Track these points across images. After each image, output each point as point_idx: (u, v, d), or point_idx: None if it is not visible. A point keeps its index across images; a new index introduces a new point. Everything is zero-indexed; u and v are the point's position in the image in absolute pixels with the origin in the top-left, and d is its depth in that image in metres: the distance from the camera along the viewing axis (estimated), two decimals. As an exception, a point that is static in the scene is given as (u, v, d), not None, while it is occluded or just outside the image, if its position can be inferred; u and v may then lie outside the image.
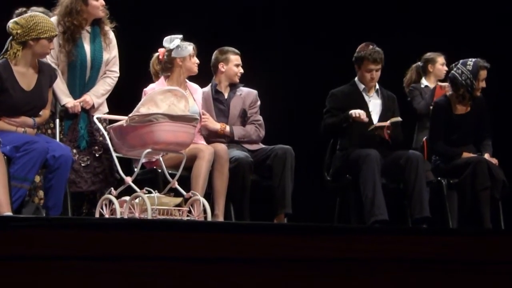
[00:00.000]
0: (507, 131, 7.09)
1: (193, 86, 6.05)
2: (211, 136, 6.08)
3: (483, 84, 6.41)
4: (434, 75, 7.17)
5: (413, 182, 5.99)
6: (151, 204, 5.02)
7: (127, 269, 3.30)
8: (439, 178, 6.31)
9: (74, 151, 5.53)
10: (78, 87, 5.67)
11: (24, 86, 5.17)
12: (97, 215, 5.20)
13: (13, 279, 3.13)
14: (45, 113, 5.33)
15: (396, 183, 6.14)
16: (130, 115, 5.16)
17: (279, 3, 7.95)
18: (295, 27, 7.87)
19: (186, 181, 5.54)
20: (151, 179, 5.59)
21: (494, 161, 6.32)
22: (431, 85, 7.09)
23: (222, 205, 5.71)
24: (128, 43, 5.95)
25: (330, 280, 3.61)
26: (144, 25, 7.11)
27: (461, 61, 6.45)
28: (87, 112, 5.65)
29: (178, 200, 5.25)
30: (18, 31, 5.13)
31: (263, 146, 6.17)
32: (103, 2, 5.66)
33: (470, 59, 6.41)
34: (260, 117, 6.26)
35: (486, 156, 6.34)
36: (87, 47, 5.66)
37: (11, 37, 5.18)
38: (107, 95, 5.75)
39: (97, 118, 5.47)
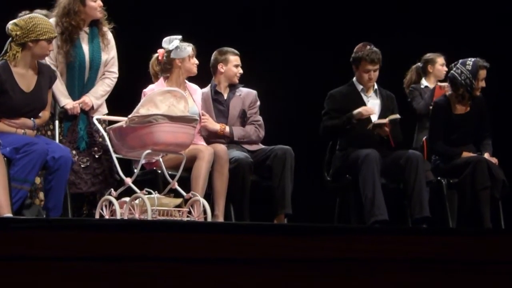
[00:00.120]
0: (507, 131, 7.09)
1: (193, 86, 6.06)
2: (210, 137, 6.09)
3: (482, 83, 6.41)
4: (434, 76, 7.17)
5: (413, 182, 6.00)
6: (151, 205, 5.03)
7: (127, 270, 3.31)
8: (439, 178, 6.32)
9: (74, 152, 5.53)
10: (77, 88, 5.68)
11: (23, 88, 5.18)
12: (97, 216, 5.21)
13: (13, 280, 3.14)
14: (44, 114, 5.34)
15: (396, 183, 6.15)
16: (129, 116, 5.17)
17: (279, 3, 7.95)
18: (295, 27, 7.88)
19: (186, 182, 5.54)
20: (151, 180, 5.60)
21: (494, 160, 6.33)
22: (431, 86, 7.10)
23: (222, 206, 5.72)
24: (127, 44, 5.96)
25: (330, 280, 3.62)
26: (143, 26, 7.11)
27: (460, 61, 6.46)
28: (87, 113, 5.66)
29: (178, 201, 5.26)
30: (18, 33, 5.13)
31: (263, 146, 6.17)
32: (101, 3, 5.67)
33: (469, 59, 6.42)
34: (260, 118, 6.27)
35: (486, 155, 6.35)
36: (85, 48, 5.67)
37: (10, 39, 5.18)
38: (106, 96, 5.76)
39: (97, 119, 5.49)
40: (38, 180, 5.38)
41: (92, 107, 5.66)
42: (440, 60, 7.18)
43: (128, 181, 5.18)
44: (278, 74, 7.65)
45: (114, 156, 5.28)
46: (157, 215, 5.09)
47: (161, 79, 5.93)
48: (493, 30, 7.81)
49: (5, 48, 5.20)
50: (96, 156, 5.68)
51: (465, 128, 6.45)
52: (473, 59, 6.41)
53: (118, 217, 5.05)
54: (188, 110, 5.32)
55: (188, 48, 5.87)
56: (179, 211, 5.21)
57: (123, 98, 5.73)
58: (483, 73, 6.39)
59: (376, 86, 6.36)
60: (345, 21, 7.79)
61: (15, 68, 5.17)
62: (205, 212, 5.20)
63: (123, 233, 3.41)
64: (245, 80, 6.31)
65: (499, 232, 5.51)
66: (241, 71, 6.25)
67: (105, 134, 5.38)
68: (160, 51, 5.92)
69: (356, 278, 3.67)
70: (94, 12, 5.66)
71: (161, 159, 5.39)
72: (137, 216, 5.06)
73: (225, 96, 6.27)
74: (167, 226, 3.79)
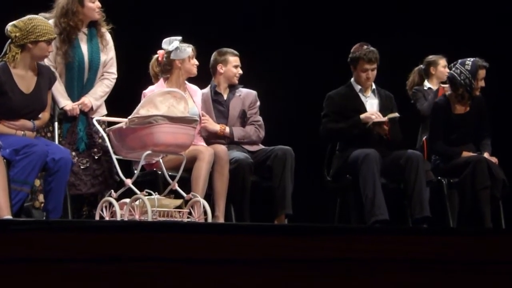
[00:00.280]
0: (507, 131, 7.09)
1: (193, 87, 6.07)
2: (211, 138, 6.09)
3: (482, 83, 6.42)
4: (437, 78, 7.16)
5: (413, 182, 6.01)
6: (151, 206, 5.04)
7: (128, 271, 3.31)
8: (439, 178, 6.32)
9: (73, 153, 5.53)
10: (76, 89, 5.68)
11: (23, 89, 5.19)
12: (97, 218, 5.21)
13: (14, 282, 3.14)
14: (44, 116, 5.34)
15: (396, 183, 6.15)
16: (129, 117, 5.18)
17: (278, 4, 7.94)
18: (295, 28, 7.88)
19: (186, 183, 5.55)
20: (151, 181, 5.60)
21: (494, 160, 6.34)
22: (434, 87, 7.09)
23: (223, 207, 5.72)
24: (127, 45, 5.97)
25: (331, 280, 3.62)
26: (143, 27, 7.11)
27: (459, 61, 6.47)
28: (86, 114, 5.67)
29: (178, 201, 5.26)
30: (17, 34, 5.14)
31: (263, 147, 6.18)
32: (99, 5, 5.68)
33: (468, 59, 6.42)
34: (260, 118, 6.27)
35: (486, 155, 6.35)
36: (84, 48, 5.68)
37: (9, 40, 5.19)
38: (105, 97, 5.77)
39: (97, 120, 5.49)
40: (37, 182, 5.39)
41: (92, 108, 5.66)
42: (442, 62, 7.17)
43: (128, 182, 5.19)
44: (278, 74, 7.65)
45: (114, 157, 5.29)
46: (158, 216, 5.10)
47: (161, 80, 5.94)
48: (493, 30, 7.80)
49: (4, 50, 5.20)
50: (96, 157, 5.68)
51: (465, 127, 6.45)
52: (472, 59, 6.41)
53: (119, 218, 5.06)
54: (188, 111, 5.33)
55: (188, 49, 5.88)
56: (179, 212, 5.22)
57: (123, 99, 5.74)
58: (482, 73, 6.40)
59: (374, 86, 6.37)
60: (345, 21, 7.78)
61: (14, 70, 5.17)
62: (205, 213, 5.21)
63: (124, 234, 3.41)
64: (245, 80, 6.31)
65: (500, 232, 5.52)
66: (240, 71, 6.26)
67: (105, 135, 5.39)
68: (160, 52, 5.92)
69: (356, 278, 3.67)
70: (92, 13, 5.67)
71: (161, 160, 5.39)
72: (137, 217, 5.07)
73: (225, 97, 6.28)
74: (168, 227, 3.80)
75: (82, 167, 5.63)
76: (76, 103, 5.63)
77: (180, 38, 5.85)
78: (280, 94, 7.51)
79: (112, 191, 5.25)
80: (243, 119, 6.23)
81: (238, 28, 7.49)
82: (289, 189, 5.92)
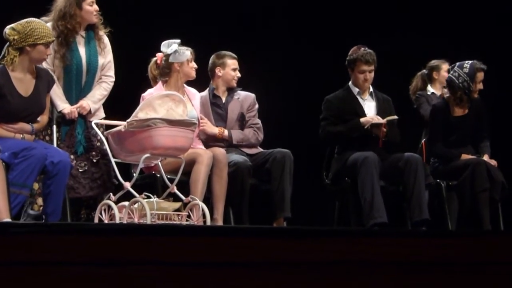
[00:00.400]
0: (506, 133, 7.09)
1: (191, 90, 6.07)
2: (209, 141, 6.10)
3: (480, 86, 6.43)
4: (439, 82, 7.15)
5: (412, 184, 6.02)
6: (150, 209, 5.04)
7: (127, 274, 3.32)
8: (438, 180, 6.33)
9: (72, 157, 5.53)
10: (75, 93, 5.69)
11: (21, 92, 5.19)
12: (96, 221, 5.22)
13: (13, 285, 3.15)
14: (43, 119, 5.35)
15: (395, 185, 6.16)
16: (128, 120, 5.18)
17: (278, 5, 7.93)
18: (294, 30, 7.88)
19: (185, 186, 5.56)
20: (150, 184, 5.61)
21: (493, 162, 6.35)
22: (437, 92, 7.08)
23: (221, 210, 5.73)
24: (125, 48, 5.97)
25: (330, 283, 3.63)
26: (141, 29, 7.12)
27: (457, 63, 6.48)
28: (84, 117, 5.67)
29: (177, 204, 5.27)
30: (15, 37, 5.15)
31: (262, 150, 6.19)
32: (97, 8, 5.70)
33: (466, 62, 6.44)
34: (259, 121, 6.28)
35: (485, 157, 6.36)
36: (82, 52, 5.69)
37: (8, 43, 5.20)
38: (103, 100, 5.77)
39: (95, 123, 5.50)
40: (36, 185, 5.39)
41: (90, 111, 5.67)
42: (445, 66, 7.16)
43: (127, 185, 5.19)
44: (277, 77, 7.65)
45: (113, 160, 5.29)
46: (156, 219, 5.11)
47: (160, 83, 5.94)
48: (493, 31, 7.80)
49: (2, 53, 5.21)
50: (94, 161, 5.69)
51: (464, 130, 6.47)
52: (470, 62, 6.43)
53: (117, 221, 5.06)
54: (187, 114, 5.34)
55: (187, 52, 5.88)
56: (178, 215, 5.22)
57: (122, 102, 5.74)
58: (480, 76, 6.41)
59: (371, 89, 6.39)
60: (344, 22, 7.77)
61: (13, 73, 5.18)
62: (204, 216, 5.22)
63: (122, 237, 3.41)
64: (244, 82, 6.32)
65: (499, 234, 5.52)
66: (238, 74, 6.26)
67: (103, 138, 5.40)
68: (159, 55, 5.93)
69: (356, 280, 3.68)
70: (90, 16, 5.68)
71: (160, 163, 5.40)
72: (136, 220, 5.07)
73: (224, 100, 6.28)
74: (166, 230, 3.80)
75: (80, 170, 5.64)
76: (74, 106, 5.64)
77: (178, 41, 5.86)
78: (279, 96, 7.51)
79: (111, 194, 5.25)
80: (242, 122, 6.23)
81: (237, 29, 7.49)
82: (288, 192, 5.93)
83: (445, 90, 6.69)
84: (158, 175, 5.52)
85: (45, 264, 3.19)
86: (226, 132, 6.15)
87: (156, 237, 3.46)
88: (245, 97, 6.29)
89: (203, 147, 5.93)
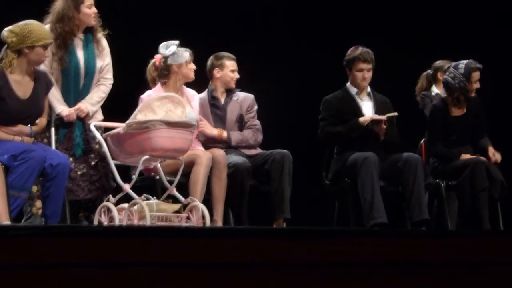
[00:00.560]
0: (504, 131, 7.08)
1: (190, 92, 6.07)
2: (208, 142, 6.10)
3: (476, 85, 6.45)
4: None
5: (411, 184, 6.02)
6: (150, 210, 5.04)
7: (126, 276, 3.32)
8: (437, 180, 6.34)
9: (70, 159, 5.53)
10: (73, 95, 5.69)
11: (20, 95, 5.19)
12: (95, 223, 5.22)
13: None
14: (41, 121, 5.35)
15: (395, 185, 6.16)
16: (127, 122, 5.18)
17: (278, 5, 7.92)
18: (293, 31, 7.87)
19: (184, 187, 5.56)
20: (149, 185, 5.61)
21: (498, 154, 6.34)
22: (442, 93, 7.08)
23: (221, 211, 5.73)
24: (124, 50, 5.97)
25: (330, 284, 3.63)
26: (140, 31, 7.11)
27: (453, 64, 6.51)
28: (82, 120, 5.67)
29: (177, 206, 5.27)
30: (13, 39, 5.15)
31: (261, 151, 6.19)
32: (95, 10, 5.69)
33: (461, 62, 6.46)
34: (258, 122, 6.28)
35: (490, 150, 6.36)
36: (80, 54, 5.68)
37: (6, 46, 5.20)
38: (101, 103, 5.77)
39: (94, 125, 5.49)
40: (35, 188, 5.38)
41: (88, 114, 5.67)
42: None
43: (127, 187, 5.20)
44: (277, 77, 7.65)
45: (111, 162, 5.29)
46: (156, 220, 5.11)
47: (159, 85, 5.94)
48: (492, 30, 7.80)
49: (0, 55, 5.21)
50: (93, 163, 5.69)
51: (463, 129, 6.48)
52: (465, 62, 6.45)
53: (117, 223, 5.06)
54: (186, 115, 5.34)
55: (185, 54, 5.88)
56: (177, 216, 5.22)
57: (120, 104, 5.74)
58: (476, 75, 6.43)
59: (369, 89, 6.40)
60: (344, 26, 7.76)
61: (11, 75, 5.18)
62: (203, 217, 5.22)
63: (122, 239, 3.42)
64: (243, 83, 6.32)
65: (498, 233, 5.52)
66: (237, 75, 6.27)
67: (102, 141, 5.39)
68: (157, 56, 5.93)
69: (356, 281, 3.68)
70: (88, 18, 5.68)
71: (159, 165, 5.40)
72: (135, 222, 5.07)
73: (222, 101, 6.28)
74: (166, 232, 3.80)
75: (79, 172, 5.64)
76: (73, 108, 5.64)
77: (177, 42, 5.86)
78: (279, 97, 7.51)
79: (111, 196, 5.25)
80: (241, 123, 6.24)
81: (236, 30, 7.49)
82: (287, 193, 5.93)
83: (443, 90, 6.70)
84: (158, 177, 5.52)
85: (44, 266, 3.19)
86: (225, 134, 6.15)
87: (156, 239, 3.46)
88: (244, 98, 6.29)
89: (202, 149, 5.93)
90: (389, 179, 6.13)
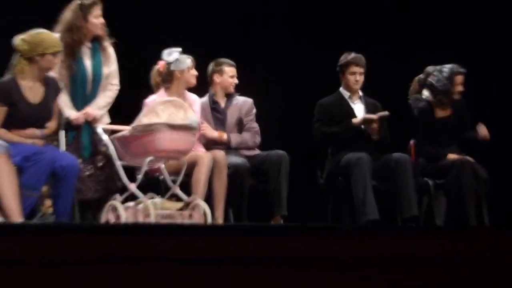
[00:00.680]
0: (489, 130, 7.06)
1: (192, 96, 6.08)
2: (209, 144, 6.10)
3: (459, 88, 6.48)
4: None
5: (401, 183, 6.03)
6: (154, 209, 5.05)
7: (132, 271, 3.33)
8: (426, 179, 6.35)
9: (79, 160, 5.54)
10: (80, 100, 5.69)
11: (31, 100, 5.20)
12: (103, 220, 5.22)
13: (25, 283, 3.16)
14: (51, 125, 5.36)
15: (387, 184, 6.17)
16: (132, 125, 5.19)
17: (277, 9, 7.90)
18: (289, 37, 7.84)
19: (187, 187, 5.56)
20: (154, 185, 5.61)
21: (484, 129, 6.33)
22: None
23: (222, 209, 5.73)
24: (129, 56, 5.97)
25: (324, 276, 3.64)
26: (144, 38, 7.10)
27: (437, 67, 6.54)
28: (90, 123, 5.68)
29: (180, 204, 5.28)
30: (25, 47, 5.16)
31: (259, 152, 6.20)
32: (103, 21, 5.70)
33: (446, 66, 6.50)
34: (256, 125, 6.29)
35: (480, 127, 6.34)
36: (87, 63, 5.69)
37: (18, 53, 5.21)
38: (108, 107, 5.77)
39: (101, 128, 5.50)
40: (44, 188, 5.38)
41: (95, 117, 5.67)
42: None
43: (132, 186, 5.20)
44: (275, 82, 7.62)
45: (118, 163, 5.30)
46: (160, 218, 5.11)
47: (162, 90, 5.95)
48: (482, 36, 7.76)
49: (12, 63, 5.22)
50: (99, 165, 5.68)
51: (448, 130, 6.49)
52: (449, 66, 6.49)
53: (123, 221, 5.07)
54: (188, 118, 5.35)
55: (187, 61, 5.89)
56: (181, 214, 5.23)
57: (126, 108, 5.75)
58: (458, 79, 6.46)
59: (361, 93, 6.44)
60: (340, 29, 7.73)
61: (23, 81, 5.19)
62: (205, 214, 5.22)
63: (128, 236, 3.43)
64: (242, 87, 6.33)
65: (484, 229, 5.53)
66: (236, 81, 6.27)
67: (109, 143, 5.40)
68: (161, 62, 5.94)
69: (349, 274, 3.69)
70: (95, 28, 5.68)
71: (163, 165, 5.41)
72: (141, 219, 5.08)
73: (223, 105, 6.29)
74: (170, 229, 3.82)
75: (87, 173, 5.64)
76: (80, 112, 5.64)
77: (180, 49, 5.86)
78: (276, 101, 7.49)
79: (117, 195, 5.26)
80: (240, 126, 6.24)
81: (235, 38, 7.48)
82: (284, 191, 5.94)
83: (427, 93, 6.72)
84: (162, 177, 5.52)
85: (54, 262, 3.20)
86: (225, 136, 6.15)
87: (160, 236, 3.48)
88: (243, 102, 6.30)
89: (203, 150, 5.93)
90: (381, 178, 6.14)
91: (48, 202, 5.42)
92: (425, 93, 7.04)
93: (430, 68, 7.04)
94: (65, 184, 5.11)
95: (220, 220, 5.68)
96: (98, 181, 5.67)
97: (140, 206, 5.10)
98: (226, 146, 6.13)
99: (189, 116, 5.48)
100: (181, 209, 5.26)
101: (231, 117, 6.24)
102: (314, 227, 4.10)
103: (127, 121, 5.32)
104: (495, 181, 6.32)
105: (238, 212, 5.87)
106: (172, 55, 5.85)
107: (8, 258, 3.13)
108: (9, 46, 5.25)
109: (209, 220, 5.21)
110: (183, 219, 5.20)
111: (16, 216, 4.77)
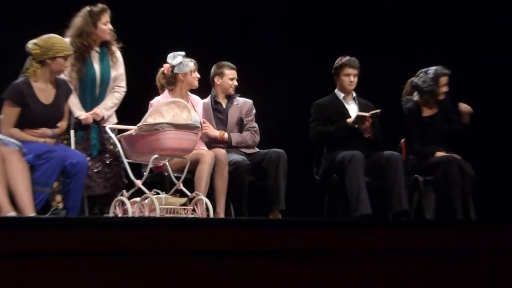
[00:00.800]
0: (475, 128, 7.05)
1: (195, 98, 6.09)
2: (211, 142, 6.11)
3: (444, 89, 6.50)
4: None
5: (392, 179, 6.03)
6: (159, 204, 5.06)
7: (138, 263, 3.33)
8: (416, 176, 6.36)
9: (88, 158, 5.55)
10: (89, 102, 5.70)
11: (43, 101, 5.21)
12: (111, 215, 5.23)
13: (37, 274, 3.16)
14: (62, 124, 5.37)
15: (379, 181, 6.17)
16: (138, 124, 5.20)
17: (277, 10, 7.89)
18: (287, 39, 7.82)
19: (190, 183, 5.57)
20: (159, 181, 5.62)
21: (464, 106, 6.36)
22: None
23: (223, 204, 5.74)
24: (136, 60, 5.97)
25: (319, 267, 3.65)
26: (150, 42, 7.10)
27: (423, 69, 6.56)
28: (98, 123, 5.69)
29: (183, 200, 5.28)
30: (37, 51, 5.17)
31: (259, 150, 6.21)
32: (111, 27, 5.71)
33: (431, 68, 6.53)
34: (255, 124, 6.30)
35: (461, 105, 6.37)
36: (96, 66, 5.70)
37: (30, 57, 5.21)
38: (115, 108, 5.78)
39: (110, 128, 5.52)
40: (55, 184, 5.39)
41: (103, 117, 5.69)
42: None
43: (138, 183, 5.21)
44: (275, 84, 7.63)
45: (125, 160, 5.30)
46: (165, 213, 5.12)
47: (166, 91, 5.96)
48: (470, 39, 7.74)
49: (25, 66, 5.23)
50: (107, 162, 5.70)
51: (435, 128, 6.51)
52: (434, 68, 6.51)
53: (130, 215, 5.08)
54: (191, 118, 5.36)
55: (190, 64, 5.90)
56: (184, 209, 5.24)
57: (132, 109, 5.76)
58: (443, 80, 6.49)
59: (354, 95, 6.45)
60: (337, 29, 7.70)
61: (35, 83, 5.20)
62: (207, 209, 5.23)
63: (135, 229, 3.43)
64: (244, 88, 6.34)
65: (470, 223, 5.54)
66: (236, 83, 6.29)
67: (116, 141, 5.41)
68: (166, 65, 5.95)
69: (343, 264, 3.70)
70: (104, 34, 5.70)
71: (167, 163, 5.42)
72: (146, 214, 5.09)
73: (224, 106, 6.30)
74: (174, 223, 3.81)
75: (95, 170, 5.65)
76: (89, 113, 5.66)
77: (183, 53, 5.87)
78: (275, 101, 7.49)
79: (124, 191, 5.27)
80: (241, 125, 6.25)
81: (236, 41, 7.48)
82: (282, 188, 5.94)
83: (414, 93, 6.74)
84: (166, 174, 5.53)
85: (65, 255, 3.20)
86: (226, 135, 6.16)
87: (165, 229, 3.48)
88: (244, 103, 6.32)
89: (205, 148, 5.94)
90: (373, 175, 6.14)
91: (58, 198, 5.43)
92: (417, 95, 7.05)
93: (422, 70, 7.06)
94: (75, 181, 5.11)
95: (221, 215, 5.69)
96: (106, 178, 5.68)
97: (146, 201, 5.11)
98: (227, 145, 6.14)
99: (192, 116, 5.49)
100: (184, 204, 5.27)
101: (232, 117, 6.25)
102: (310, 221, 4.11)
103: (134, 121, 5.33)
104: (481, 177, 6.33)
105: (238, 207, 5.88)
106: (176, 58, 5.86)
107: (21, 250, 3.14)
108: (23, 50, 5.26)
109: (211, 214, 5.22)
110: (186, 213, 5.22)
111: (29, 211, 4.77)
